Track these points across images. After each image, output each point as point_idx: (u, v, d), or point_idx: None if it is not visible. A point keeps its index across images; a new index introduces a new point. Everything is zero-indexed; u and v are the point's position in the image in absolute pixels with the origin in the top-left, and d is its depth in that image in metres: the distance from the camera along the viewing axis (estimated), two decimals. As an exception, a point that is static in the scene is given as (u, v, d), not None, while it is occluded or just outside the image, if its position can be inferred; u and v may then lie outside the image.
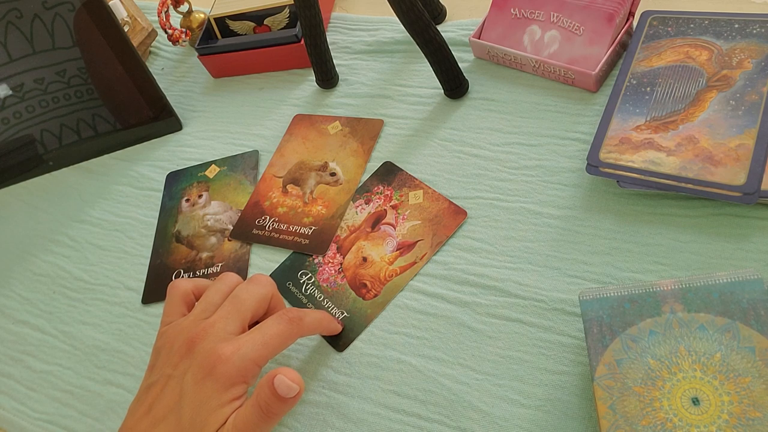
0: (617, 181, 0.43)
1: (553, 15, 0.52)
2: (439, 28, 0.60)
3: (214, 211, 0.55)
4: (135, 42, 0.71)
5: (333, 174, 0.54)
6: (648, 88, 0.46)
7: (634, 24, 0.51)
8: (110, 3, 0.69)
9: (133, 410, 0.37)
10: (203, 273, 0.51)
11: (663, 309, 0.33)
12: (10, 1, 0.57)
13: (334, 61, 0.61)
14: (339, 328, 0.44)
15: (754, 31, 0.45)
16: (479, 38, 0.55)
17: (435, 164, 0.51)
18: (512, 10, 0.54)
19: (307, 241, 0.50)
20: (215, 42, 0.66)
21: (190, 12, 0.70)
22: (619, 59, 0.51)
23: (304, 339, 0.45)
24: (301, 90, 0.63)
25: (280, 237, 0.51)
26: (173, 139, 0.64)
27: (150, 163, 0.63)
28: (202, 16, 0.71)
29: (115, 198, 0.61)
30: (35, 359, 0.51)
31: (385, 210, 0.49)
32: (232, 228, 0.53)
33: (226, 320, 0.38)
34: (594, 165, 0.43)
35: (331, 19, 0.68)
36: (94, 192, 0.62)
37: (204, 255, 0.53)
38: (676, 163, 0.41)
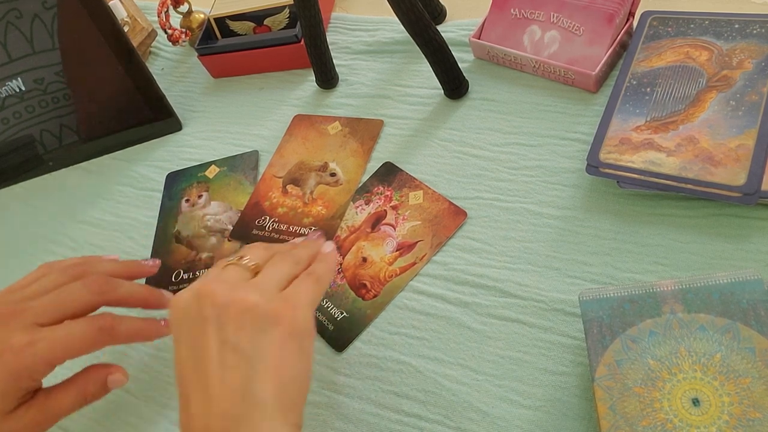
0: (617, 182, 0.43)
1: (553, 15, 0.52)
2: (439, 28, 0.59)
3: (213, 212, 0.55)
4: (135, 42, 0.71)
5: (333, 174, 0.53)
6: (648, 89, 0.46)
7: (634, 24, 0.51)
8: (110, 3, 0.69)
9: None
10: (203, 274, 0.51)
11: (663, 309, 0.33)
12: (10, 1, 0.57)
13: (334, 61, 0.61)
14: (165, 333, 0.42)
15: (754, 32, 0.45)
16: (479, 38, 0.55)
17: (435, 164, 0.51)
18: (512, 10, 0.54)
19: (307, 242, 0.50)
20: (215, 42, 0.66)
21: (190, 12, 0.70)
22: (619, 59, 0.51)
23: (304, 339, 0.45)
24: (301, 90, 0.63)
25: (280, 237, 0.51)
26: (173, 140, 0.64)
27: (150, 164, 0.63)
28: (202, 16, 0.71)
29: (115, 198, 0.61)
30: (35, 359, 0.51)
31: (385, 210, 0.49)
32: (232, 228, 0.53)
33: (38, 310, 0.38)
34: (594, 165, 0.43)
35: (331, 19, 0.68)
36: (94, 192, 0.62)
37: (204, 255, 0.53)
38: (676, 163, 0.41)
